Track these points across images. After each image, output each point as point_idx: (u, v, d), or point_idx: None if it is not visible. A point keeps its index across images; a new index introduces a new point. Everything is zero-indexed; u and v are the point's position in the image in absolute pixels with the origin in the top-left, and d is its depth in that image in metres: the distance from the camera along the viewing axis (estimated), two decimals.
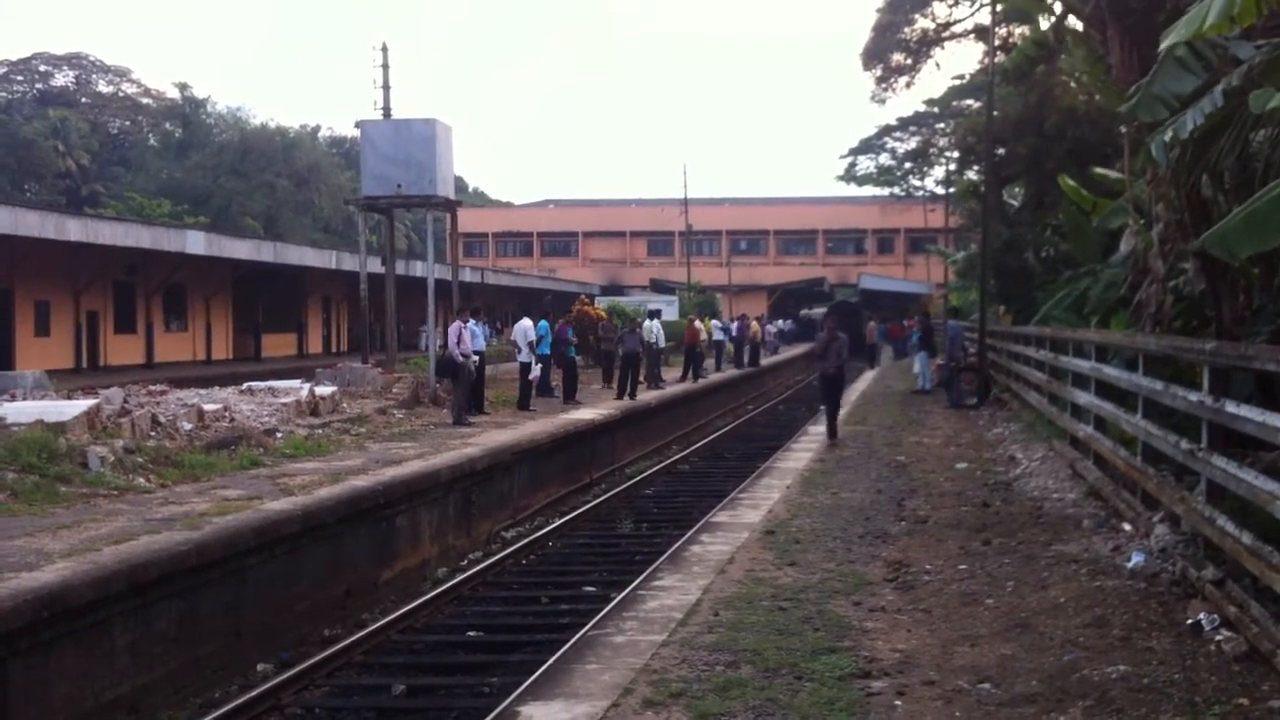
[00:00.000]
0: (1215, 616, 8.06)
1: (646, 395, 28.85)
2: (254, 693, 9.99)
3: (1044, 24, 24.58)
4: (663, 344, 33.54)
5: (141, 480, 13.93)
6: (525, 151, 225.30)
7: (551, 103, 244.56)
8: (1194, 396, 9.21)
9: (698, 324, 38.38)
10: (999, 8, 29.57)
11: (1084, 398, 14.47)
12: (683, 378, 34.43)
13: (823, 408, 22.95)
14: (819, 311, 79.20)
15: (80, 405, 16.01)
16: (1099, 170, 21.54)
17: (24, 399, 18.35)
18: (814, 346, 21.42)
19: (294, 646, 11.65)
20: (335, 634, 12.19)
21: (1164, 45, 11.31)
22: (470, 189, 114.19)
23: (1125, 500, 11.89)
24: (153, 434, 16.26)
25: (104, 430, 15.40)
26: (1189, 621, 8.18)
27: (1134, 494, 11.63)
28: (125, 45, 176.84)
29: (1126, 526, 11.40)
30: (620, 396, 26.94)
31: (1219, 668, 7.29)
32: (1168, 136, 10.31)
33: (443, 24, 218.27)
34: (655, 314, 34.97)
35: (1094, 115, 26.17)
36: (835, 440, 20.88)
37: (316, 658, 10.92)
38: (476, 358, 22.86)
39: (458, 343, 21.10)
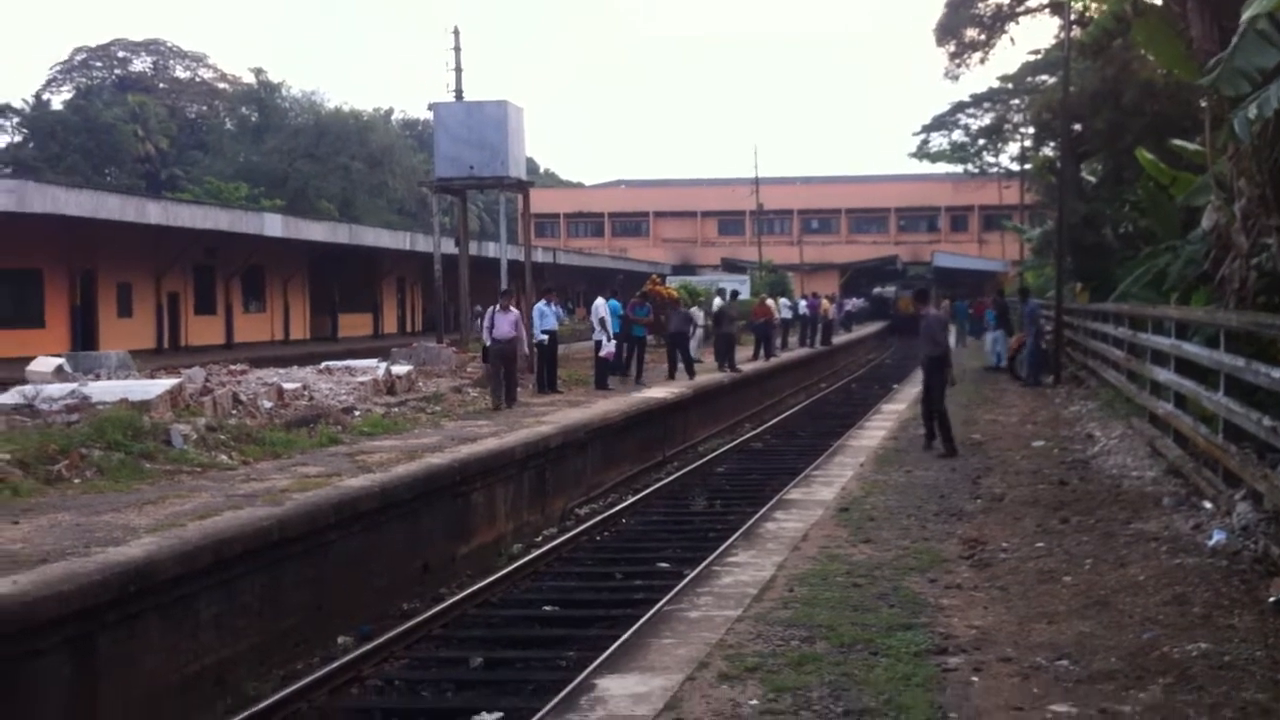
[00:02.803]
0: None
1: (718, 375, 28.79)
2: (335, 664, 10.15)
3: None
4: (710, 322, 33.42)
5: (223, 457, 14.18)
6: (596, 132, 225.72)
7: (622, 83, 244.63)
8: (1277, 373, 9.07)
9: (769, 302, 38.24)
10: None
11: (1163, 375, 14.28)
12: (754, 356, 34.35)
13: (895, 387, 21.40)
14: (891, 290, 78.72)
15: (163, 384, 16.33)
16: (1177, 142, 21.16)
17: (108, 378, 18.75)
18: (920, 323, 18.45)
19: (374, 620, 11.81)
20: (414, 608, 12.34)
21: (1245, 16, 11.12)
22: (541, 170, 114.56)
23: (1206, 478, 11.73)
24: (234, 412, 16.55)
25: (186, 409, 15.69)
26: (1271, 599, 8.08)
27: (1215, 472, 11.48)
28: (201, 31, 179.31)
29: (1207, 504, 11.26)
30: (672, 375, 26.79)
31: None
32: (1252, 113, 10.14)
33: (513, 6, 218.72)
34: (721, 293, 34.82)
35: (1173, 89, 25.68)
36: (947, 450, 16.55)
37: (396, 631, 11.06)
38: (546, 338, 22.99)
39: (491, 328, 20.95)
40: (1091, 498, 12.74)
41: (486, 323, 21.14)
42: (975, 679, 7.00)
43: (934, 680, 6.97)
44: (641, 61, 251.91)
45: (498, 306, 21.04)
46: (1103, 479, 13.99)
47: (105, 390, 15.92)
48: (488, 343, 20.95)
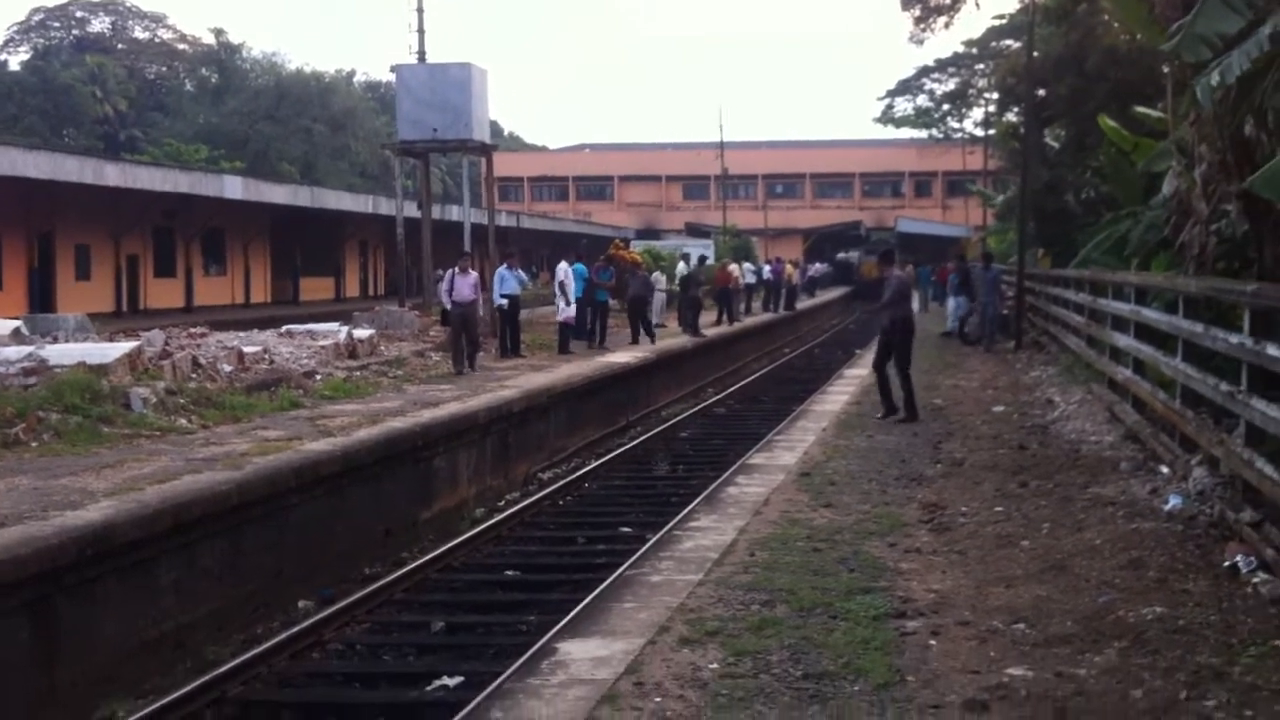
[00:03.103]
0: (1253, 559, 8.03)
1: (682, 339, 28.83)
2: (296, 628, 10.13)
3: None
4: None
5: (183, 421, 14.09)
6: (561, 95, 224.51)
7: (587, 45, 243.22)
8: (1234, 339, 9.14)
9: (731, 267, 38.27)
10: None
11: (1123, 340, 14.37)
12: (718, 321, 34.40)
13: (858, 352, 20.97)
14: (854, 255, 78.90)
15: (122, 347, 16.18)
16: (1140, 109, 21.24)
17: (66, 341, 18.57)
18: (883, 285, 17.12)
19: (335, 584, 11.81)
20: (375, 572, 12.34)
21: None
22: (506, 133, 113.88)
23: (1163, 443, 11.83)
24: (193, 376, 16.42)
25: (145, 372, 15.56)
26: (1226, 564, 8.16)
27: (1172, 437, 11.57)
28: None
29: (1164, 469, 11.36)
30: (635, 340, 26.76)
31: (1255, 610, 7.28)
32: (1214, 80, 10.16)
33: None
34: (686, 258, 34.78)
35: (1136, 55, 25.76)
36: (909, 414, 16.30)
37: (357, 595, 11.05)
38: (506, 302, 22.90)
39: (449, 291, 20.78)
40: (1050, 462, 12.84)
41: (445, 286, 20.98)
42: (933, 642, 7.05)
43: (892, 644, 7.01)
44: (608, 22, 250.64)
45: (457, 269, 20.91)
46: (1062, 444, 14.09)
47: (63, 353, 15.77)
48: (448, 306, 20.80)
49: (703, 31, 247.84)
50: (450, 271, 21.09)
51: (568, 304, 24.72)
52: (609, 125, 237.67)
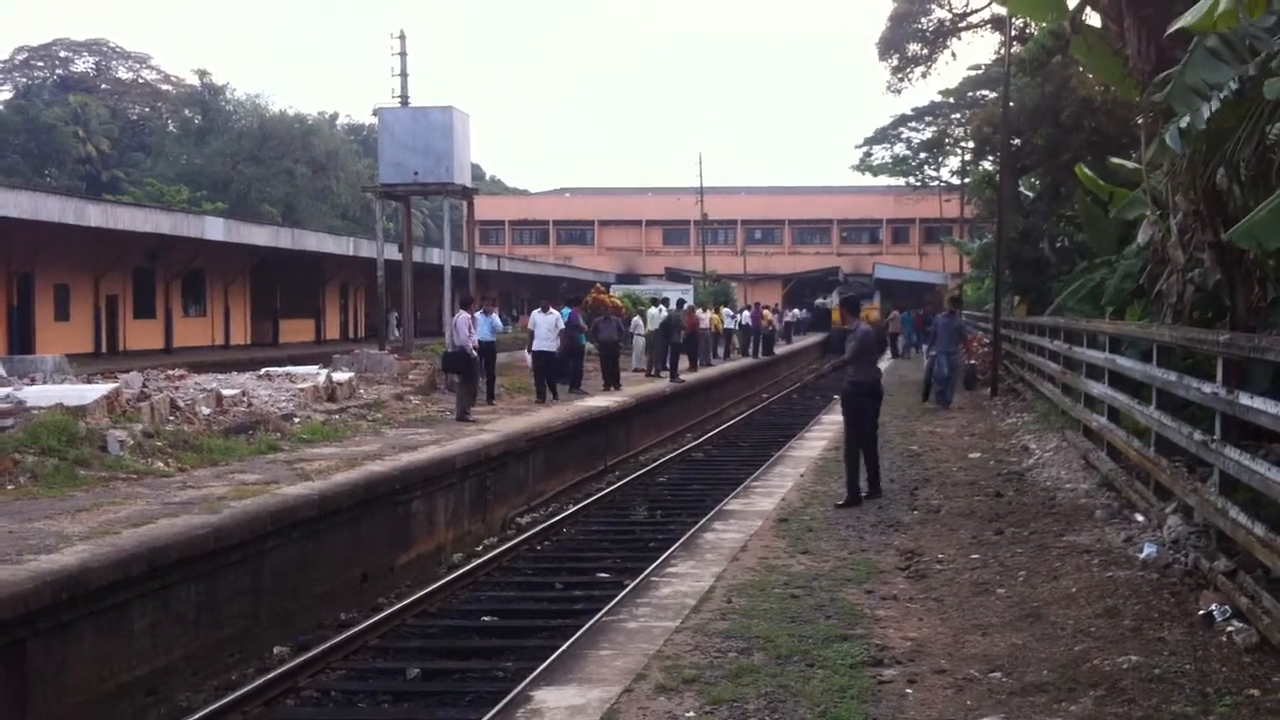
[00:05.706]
0: (1227, 607, 8.07)
1: (660, 384, 28.87)
2: (271, 675, 10.08)
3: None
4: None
5: (160, 464, 14.03)
6: (542, 140, 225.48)
7: (569, 91, 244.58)
8: (1208, 388, 9.21)
9: (699, 313, 38.37)
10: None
11: (1097, 389, 14.46)
12: (690, 368, 34.45)
13: (835, 398, 18.41)
14: (832, 300, 79.23)
15: (100, 389, 16.13)
16: (1115, 160, 21.47)
17: (44, 383, 18.49)
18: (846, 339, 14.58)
19: (311, 630, 11.76)
20: (351, 618, 12.30)
21: (1170, 30, 11.37)
22: (487, 177, 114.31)
23: (1138, 491, 11.89)
24: (171, 418, 16.37)
25: (123, 414, 15.51)
26: (1201, 612, 8.19)
27: (1147, 485, 11.63)
28: (145, 32, 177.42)
29: (1139, 517, 11.41)
30: (607, 387, 26.72)
31: (1230, 659, 7.31)
32: (1183, 125, 10.30)
33: (459, 12, 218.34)
34: (665, 303, 34.82)
35: (1110, 106, 26.09)
36: (872, 490, 13.76)
37: (333, 641, 11.02)
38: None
39: (469, 335, 20.61)
40: (1026, 510, 12.88)
41: (463, 330, 20.43)
42: (910, 691, 7.06)
43: (869, 692, 7.01)
44: (589, 70, 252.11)
45: (470, 314, 20.74)
46: (1037, 491, 14.14)
47: (40, 395, 15.71)
48: (472, 353, 20.32)
49: (686, 73, 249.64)
50: (465, 315, 20.73)
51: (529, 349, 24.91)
52: (590, 169, 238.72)
